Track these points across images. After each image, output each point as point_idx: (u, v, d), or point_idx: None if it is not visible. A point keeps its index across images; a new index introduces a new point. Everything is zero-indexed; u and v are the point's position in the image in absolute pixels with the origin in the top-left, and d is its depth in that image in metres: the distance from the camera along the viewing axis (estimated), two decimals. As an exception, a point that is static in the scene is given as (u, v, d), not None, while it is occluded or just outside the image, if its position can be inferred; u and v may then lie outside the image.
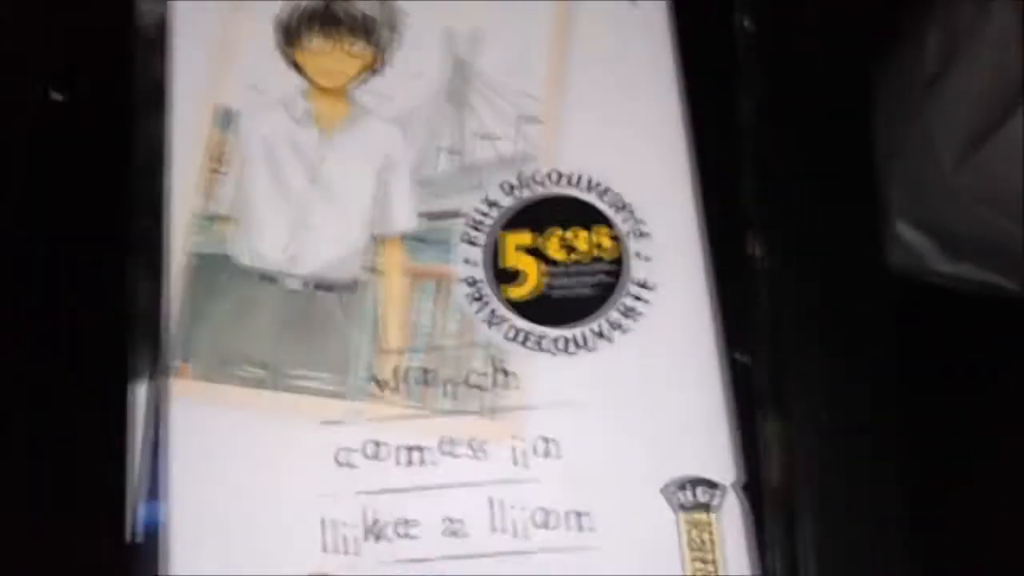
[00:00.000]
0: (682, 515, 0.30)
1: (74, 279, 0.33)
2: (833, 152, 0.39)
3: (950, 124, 0.63)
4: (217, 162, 0.32)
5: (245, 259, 0.32)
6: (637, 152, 0.33)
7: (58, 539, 0.31)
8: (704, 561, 0.29)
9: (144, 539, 0.29)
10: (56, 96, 0.36)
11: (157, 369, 0.31)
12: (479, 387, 0.31)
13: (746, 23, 0.40)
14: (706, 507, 0.30)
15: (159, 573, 0.29)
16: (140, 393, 0.31)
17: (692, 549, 0.29)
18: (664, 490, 0.30)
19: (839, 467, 0.35)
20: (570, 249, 0.32)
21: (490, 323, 0.32)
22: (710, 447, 0.31)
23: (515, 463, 0.30)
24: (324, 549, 0.29)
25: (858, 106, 0.41)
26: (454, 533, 0.29)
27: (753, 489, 0.33)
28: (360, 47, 0.34)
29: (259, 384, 0.30)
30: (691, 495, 0.30)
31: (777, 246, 0.37)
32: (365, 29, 0.34)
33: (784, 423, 0.35)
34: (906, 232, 0.70)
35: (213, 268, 0.32)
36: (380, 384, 0.31)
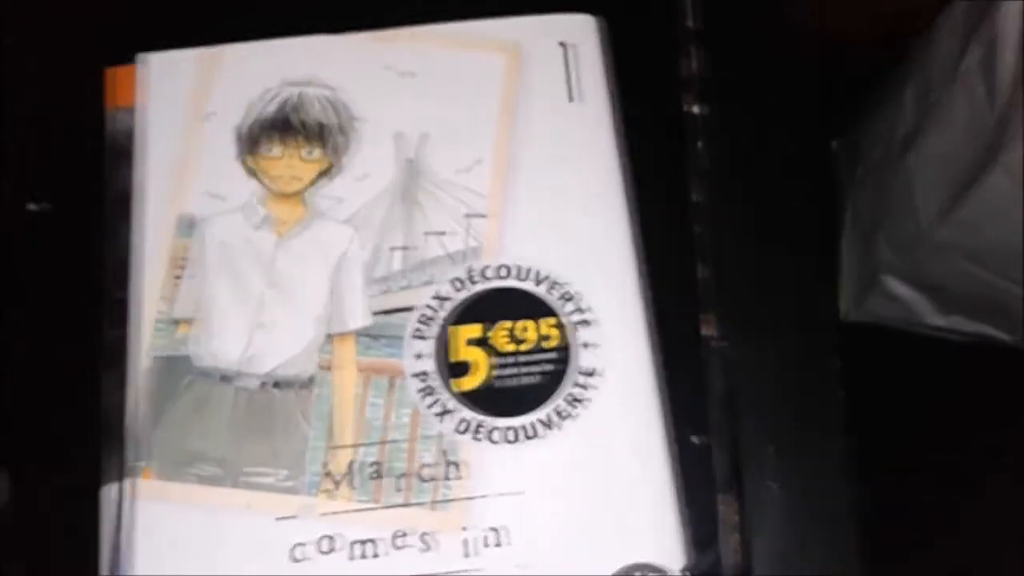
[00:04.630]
0: (630, 602, 0.30)
1: (50, 387, 0.35)
2: (786, 227, 0.40)
3: (928, 182, 0.64)
4: (179, 268, 0.34)
5: (205, 360, 0.33)
6: (582, 243, 0.35)
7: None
8: (653, 647, 0.30)
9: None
10: (33, 207, 0.37)
11: (124, 471, 0.32)
12: (429, 479, 0.32)
13: (696, 108, 0.41)
14: (653, 593, 0.30)
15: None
16: (111, 496, 0.32)
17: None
18: (612, 577, 0.31)
19: (795, 543, 0.35)
20: (518, 340, 0.34)
21: (440, 416, 0.33)
22: (659, 532, 0.32)
23: (465, 555, 0.31)
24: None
25: (810, 179, 0.42)
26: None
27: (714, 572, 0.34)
28: (316, 153, 0.36)
29: (216, 482, 0.32)
30: (637, 582, 0.31)
31: (731, 327, 0.38)
32: (320, 136, 0.36)
33: (738, 502, 0.35)
34: (896, 287, 0.71)
35: (174, 370, 0.33)
36: (333, 479, 0.32)
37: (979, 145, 0.56)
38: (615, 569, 0.31)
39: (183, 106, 0.37)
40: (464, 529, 0.32)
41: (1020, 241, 0.56)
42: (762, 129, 0.41)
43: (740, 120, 0.41)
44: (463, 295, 0.34)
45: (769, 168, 0.41)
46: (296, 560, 0.31)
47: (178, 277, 0.35)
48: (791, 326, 0.39)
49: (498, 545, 0.32)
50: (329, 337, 0.34)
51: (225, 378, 0.33)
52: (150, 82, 0.37)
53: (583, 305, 0.34)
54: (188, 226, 0.35)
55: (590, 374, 0.34)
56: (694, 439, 0.36)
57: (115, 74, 0.38)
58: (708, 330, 0.38)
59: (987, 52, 0.56)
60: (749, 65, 0.42)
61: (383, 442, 0.33)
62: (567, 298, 0.35)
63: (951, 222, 0.60)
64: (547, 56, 0.38)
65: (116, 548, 0.32)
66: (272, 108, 0.37)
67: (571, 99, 0.37)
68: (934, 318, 0.68)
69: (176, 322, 0.34)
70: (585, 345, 0.34)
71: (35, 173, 0.38)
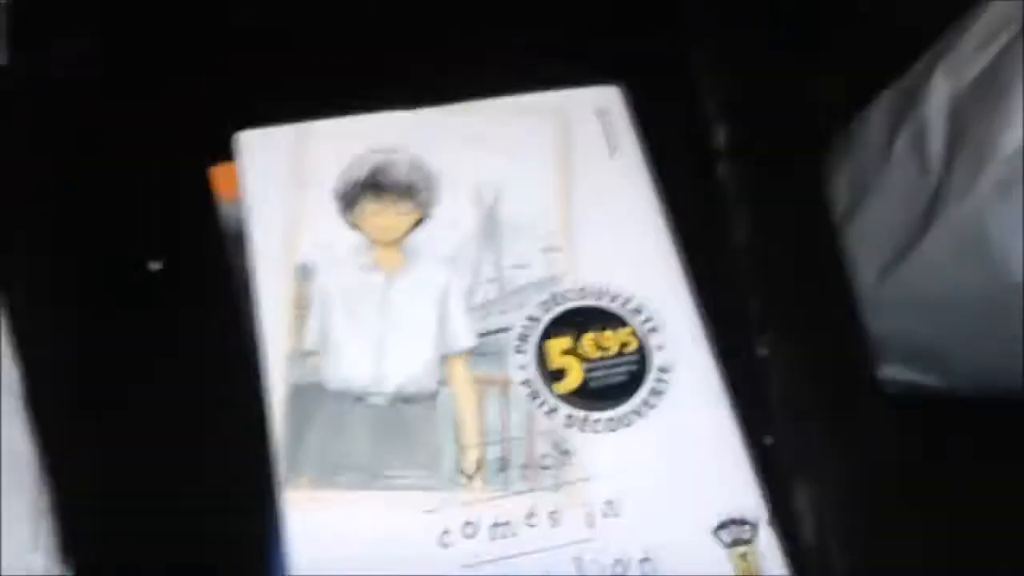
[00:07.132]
0: (729, 550, 0.36)
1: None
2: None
3: (869, 246, 0.75)
4: (303, 308, 0.40)
5: (337, 384, 0.38)
6: (639, 265, 0.43)
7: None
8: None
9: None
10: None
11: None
12: (548, 467, 0.37)
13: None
14: (747, 541, 0.36)
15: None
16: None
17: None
18: (713, 531, 0.37)
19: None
20: (603, 348, 0.40)
21: (548, 414, 0.39)
22: (740, 490, 0.38)
23: (589, 525, 0.37)
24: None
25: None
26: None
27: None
28: (407, 207, 0.42)
29: (362, 487, 0.36)
30: (732, 532, 0.37)
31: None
32: (409, 192, 0.43)
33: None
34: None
35: (310, 395, 0.38)
36: (466, 474, 0.37)
37: (915, 214, 0.68)
38: (714, 525, 0.37)
39: (284, 174, 0.43)
40: (583, 504, 0.37)
41: (952, 296, 0.67)
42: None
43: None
44: (551, 314, 0.41)
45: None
46: (444, 546, 0.36)
47: (300, 316, 0.40)
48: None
49: (616, 516, 0.37)
50: (443, 357, 0.40)
51: (357, 399, 0.38)
52: (251, 157, 0.43)
53: (650, 315, 0.41)
54: (305, 272, 0.41)
55: (665, 370, 0.40)
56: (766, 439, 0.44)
57: (219, 171, 0.44)
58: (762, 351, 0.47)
59: (917, 134, 0.69)
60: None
61: (504, 440, 0.38)
62: (637, 310, 0.42)
63: (892, 282, 0.70)
64: (587, 120, 0.46)
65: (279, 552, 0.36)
66: (363, 172, 0.43)
67: (611, 155, 0.45)
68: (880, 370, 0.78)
69: (305, 354, 0.39)
70: (658, 347, 0.41)
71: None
